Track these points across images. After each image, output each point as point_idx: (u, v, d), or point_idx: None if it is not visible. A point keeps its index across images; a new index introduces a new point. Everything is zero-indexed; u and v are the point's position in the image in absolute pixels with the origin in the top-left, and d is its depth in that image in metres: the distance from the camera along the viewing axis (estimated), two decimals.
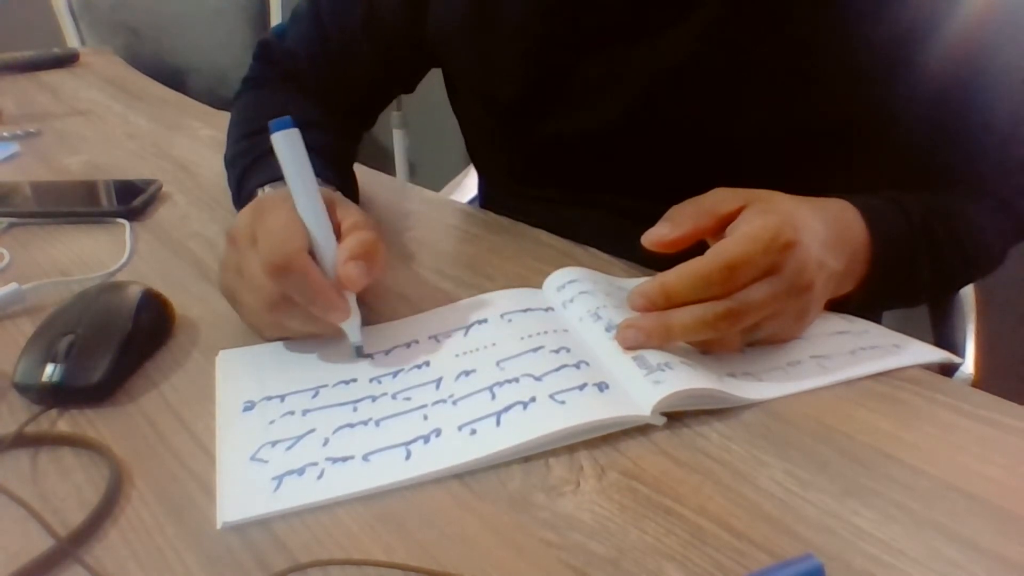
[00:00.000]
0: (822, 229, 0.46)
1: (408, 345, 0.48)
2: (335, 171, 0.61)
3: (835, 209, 0.50)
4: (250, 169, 0.61)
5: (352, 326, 0.46)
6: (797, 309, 0.45)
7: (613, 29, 0.60)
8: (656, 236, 0.46)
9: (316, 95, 0.72)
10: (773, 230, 0.43)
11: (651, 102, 0.60)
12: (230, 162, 0.67)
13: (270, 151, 0.62)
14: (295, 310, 0.45)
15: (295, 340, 0.48)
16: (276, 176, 0.57)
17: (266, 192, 0.56)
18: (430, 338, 0.48)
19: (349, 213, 0.48)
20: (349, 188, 0.65)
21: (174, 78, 1.58)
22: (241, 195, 0.61)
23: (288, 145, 0.46)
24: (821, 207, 0.49)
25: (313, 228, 0.45)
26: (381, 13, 0.69)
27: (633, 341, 0.43)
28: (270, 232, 0.44)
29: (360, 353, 0.47)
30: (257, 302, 0.45)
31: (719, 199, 0.47)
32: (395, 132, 2.26)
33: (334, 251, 0.45)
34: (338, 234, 0.47)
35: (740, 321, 0.43)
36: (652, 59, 0.59)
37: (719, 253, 0.43)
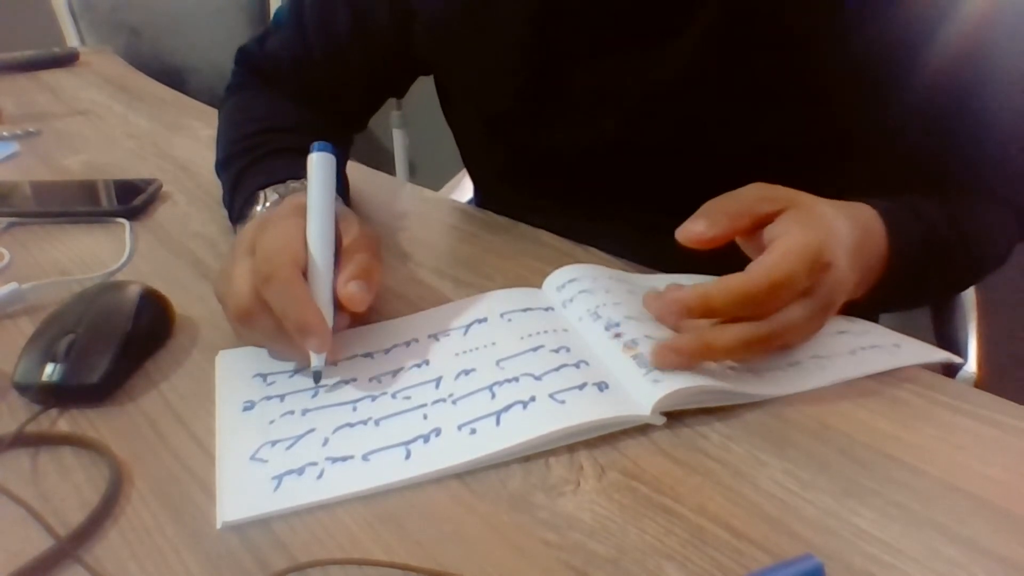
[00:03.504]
0: (851, 242, 0.46)
1: (407, 344, 0.48)
2: None
3: (864, 219, 0.50)
4: (247, 171, 0.61)
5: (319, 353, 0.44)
6: (818, 325, 0.45)
7: (608, 40, 0.59)
8: (694, 234, 0.44)
9: (302, 100, 0.70)
10: (815, 250, 0.42)
11: (647, 114, 0.60)
12: (223, 165, 0.66)
13: (269, 154, 0.62)
14: (266, 323, 0.44)
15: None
16: (275, 179, 0.57)
17: (267, 194, 0.56)
18: (429, 337, 0.48)
19: (350, 228, 0.48)
20: (339, 190, 0.64)
21: (174, 78, 1.57)
22: (236, 197, 0.60)
23: (322, 168, 0.48)
24: (854, 216, 0.48)
25: (316, 254, 0.45)
26: (368, 23, 0.68)
27: (675, 364, 0.42)
28: (269, 242, 0.44)
29: (317, 379, 0.44)
30: (233, 306, 0.44)
31: (757, 199, 0.45)
32: (395, 132, 2.26)
33: (330, 281, 0.45)
34: (339, 247, 0.47)
35: (776, 343, 0.43)
36: (648, 70, 0.58)
37: (765, 272, 0.41)
